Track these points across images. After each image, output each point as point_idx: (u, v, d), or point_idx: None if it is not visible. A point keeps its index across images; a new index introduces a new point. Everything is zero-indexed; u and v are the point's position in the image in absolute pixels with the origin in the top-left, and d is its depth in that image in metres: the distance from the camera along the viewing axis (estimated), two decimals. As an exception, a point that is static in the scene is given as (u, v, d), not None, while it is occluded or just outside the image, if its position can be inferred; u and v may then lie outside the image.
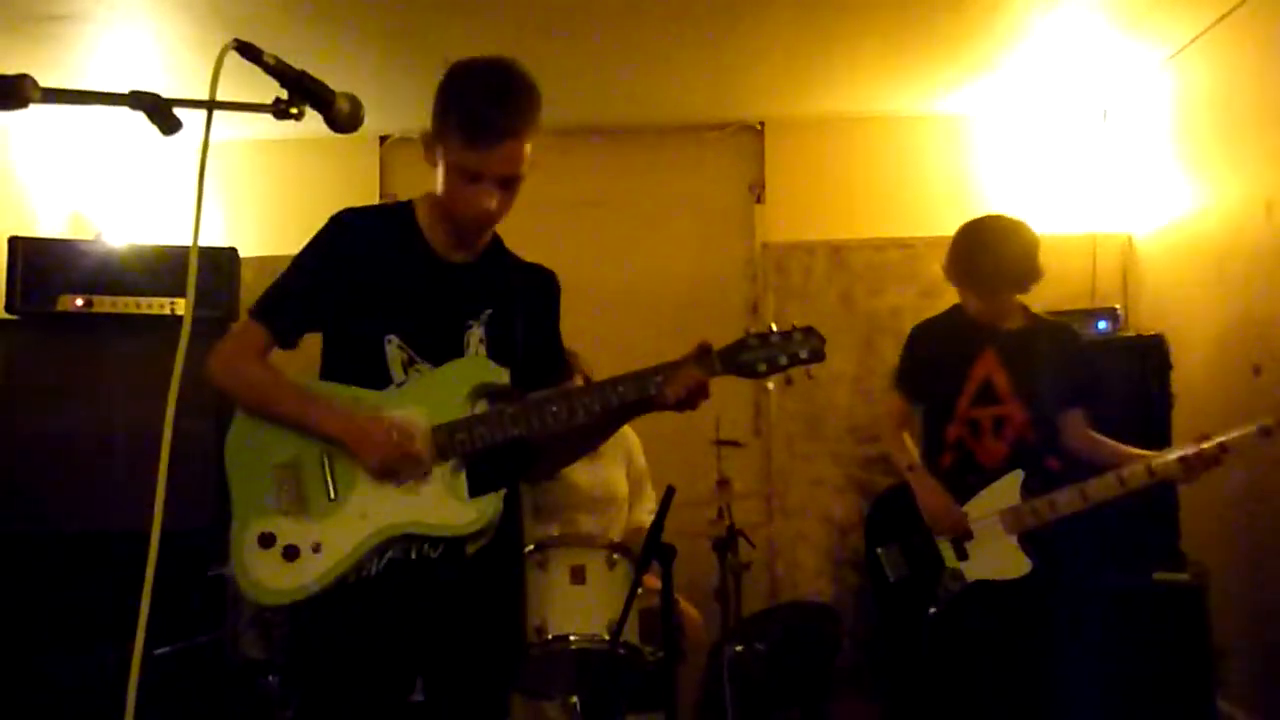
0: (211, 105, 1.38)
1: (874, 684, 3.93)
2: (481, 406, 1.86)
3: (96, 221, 4.53)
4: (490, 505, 1.82)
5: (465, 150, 1.78)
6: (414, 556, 1.84)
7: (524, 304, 1.99)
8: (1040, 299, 3.06)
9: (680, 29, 3.74)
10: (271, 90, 1.48)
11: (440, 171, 1.84)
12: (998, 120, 4.65)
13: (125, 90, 1.35)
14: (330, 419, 1.81)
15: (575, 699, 3.12)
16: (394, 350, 1.86)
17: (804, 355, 1.87)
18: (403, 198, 2.02)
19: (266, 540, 1.79)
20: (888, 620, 3.32)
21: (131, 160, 4.61)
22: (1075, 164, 4.59)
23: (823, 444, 4.62)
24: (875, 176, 4.73)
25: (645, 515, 3.66)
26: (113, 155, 4.62)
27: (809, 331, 1.88)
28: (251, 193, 4.65)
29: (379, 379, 1.85)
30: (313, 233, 1.91)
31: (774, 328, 1.89)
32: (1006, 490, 2.90)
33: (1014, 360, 2.96)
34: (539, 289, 2.06)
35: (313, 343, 1.93)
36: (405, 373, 1.86)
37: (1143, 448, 2.89)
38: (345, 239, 1.89)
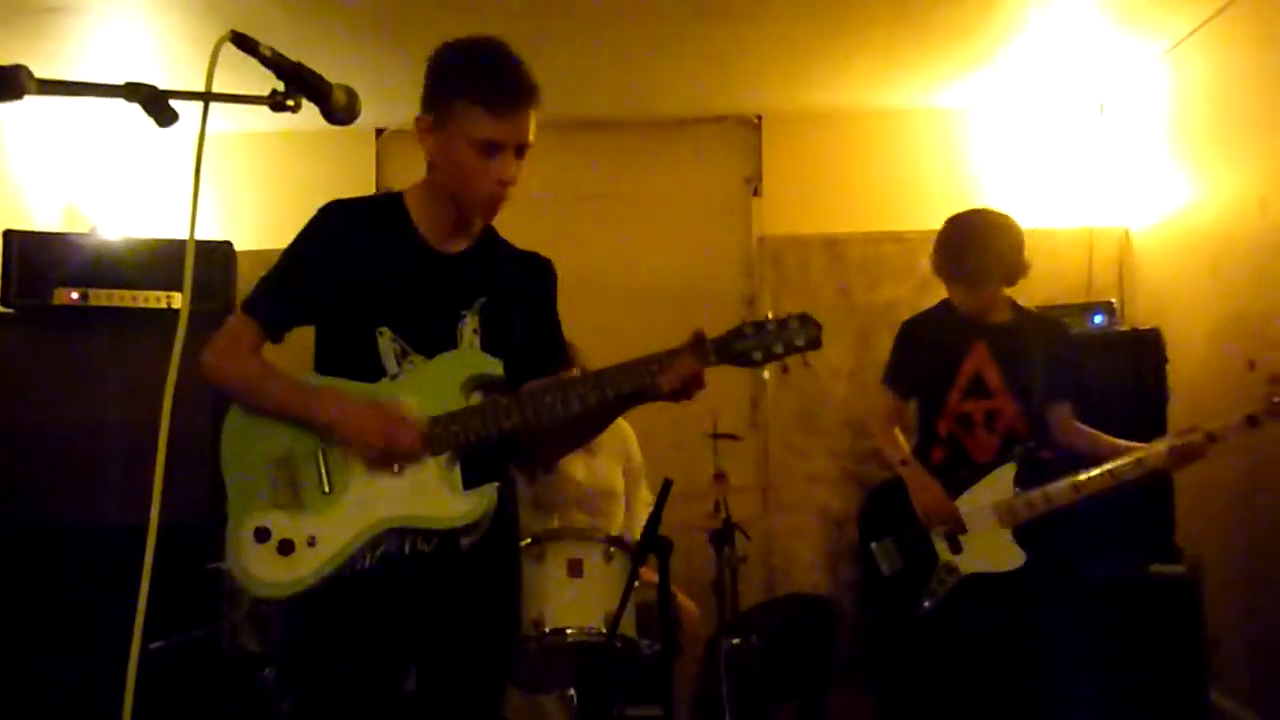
0: (208, 97, 1.37)
1: (870, 677, 3.94)
2: (476, 398, 1.85)
3: (91, 214, 4.52)
4: (484, 498, 1.81)
5: (487, 120, 1.77)
6: (407, 551, 1.83)
7: (519, 293, 1.98)
8: (1037, 293, 3.08)
9: (677, 22, 3.74)
10: (267, 82, 1.47)
11: (447, 153, 1.82)
12: (995, 114, 4.65)
13: (120, 82, 1.34)
14: (323, 407, 1.80)
15: (572, 692, 3.13)
16: (386, 343, 1.85)
17: (800, 343, 1.82)
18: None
19: (262, 535, 1.79)
20: (882, 614, 3.33)
21: (126, 153, 4.60)
22: (1072, 158, 4.59)
23: (819, 437, 4.63)
24: (872, 170, 4.73)
25: (642, 509, 3.67)
26: (107, 148, 4.61)
27: (805, 319, 1.83)
28: (247, 186, 4.64)
29: (372, 372, 1.84)
30: (307, 225, 1.91)
31: (771, 316, 1.85)
32: (999, 483, 2.90)
33: (1004, 354, 2.97)
34: (535, 277, 2.04)
35: (306, 335, 1.93)
36: (398, 365, 1.85)
37: (1139, 442, 2.90)
38: (334, 231, 1.88)
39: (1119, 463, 2.81)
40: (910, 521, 2.97)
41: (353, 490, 1.80)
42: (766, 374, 4.53)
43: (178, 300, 3.65)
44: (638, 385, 1.79)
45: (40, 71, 1.28)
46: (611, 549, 2.90)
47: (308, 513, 1.80)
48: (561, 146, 4.54)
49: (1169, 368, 3.62)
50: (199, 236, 1.44)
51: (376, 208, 1.94)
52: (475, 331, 1.89)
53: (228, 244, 3.79)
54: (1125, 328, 4.02)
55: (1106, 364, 3.60)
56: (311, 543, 1.78)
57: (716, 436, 3.74)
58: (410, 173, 1.93)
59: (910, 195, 4.64)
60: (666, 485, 2.46)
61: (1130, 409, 3.51)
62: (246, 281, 3.69)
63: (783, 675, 3.77)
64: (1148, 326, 3.84)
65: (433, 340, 1.86)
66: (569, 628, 2.76)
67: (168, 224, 4.36)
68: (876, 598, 3.17)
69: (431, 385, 1.83)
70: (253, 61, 1.41)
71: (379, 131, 4.70)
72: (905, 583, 2.98)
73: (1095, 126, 4.60)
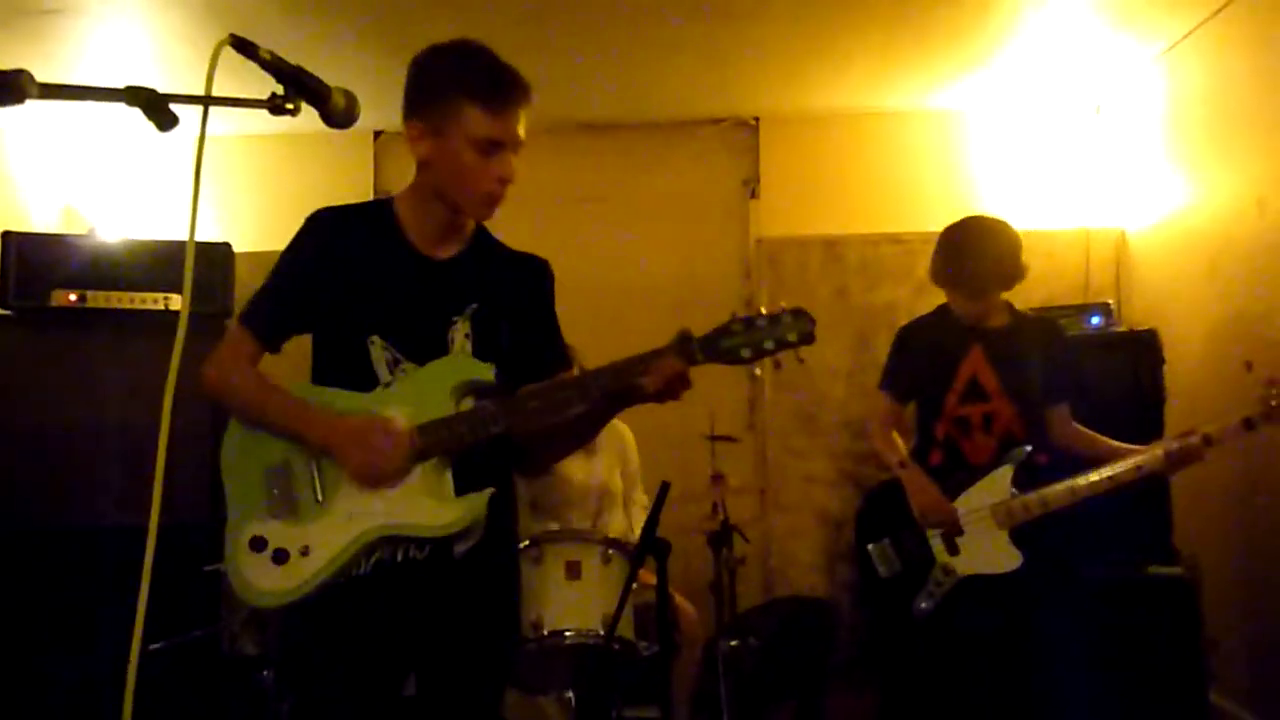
0: (208, 101, 1.37)
1: (868, 678, 3.94)
2: (467, 404, 1.84)
3: (89, 216, 4.52)
4: (473, 506, 1.80)
5: (486, 119, 1.77)
6: (400, 558, 1.83)
7: (513, 296, 1.96)
8: (1034, 294, 3.09)
9: (675, 24, 3.74)
10: (266, 85, 1.47)
11: (445, 155, 1.81)
12: (991, 115, 4.66)
13: (120, 85, 1.34)
14: (315, 427, 1.80)
15: (571, 694, 3.13)
16: (378, 351, 1.85)
17: (793, 339, 1.78)
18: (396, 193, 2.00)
19: (258, 544, 1.79)
20: (880, 615, 3.33)
21: (124, 155, 4.61)
22: (1068, 159, 4.60)
23: (817, 439, 4.63)
24: (869, 172, 4.73)
25: (638, 511, 3.68)
26: (105, 150, 4.61)
27: (798, 313, 1.79)
28: (246, 188, 4.64)
29: (365, 380, 1.84)
30: (303, 230, 1.91)
31: (763, 311, 1.81)
32: (997, 485, 2.91)
33: (1001, 357, 2.98)
34: (530, 279, 2.02)
35: (305, 343, 1.93)
36: (391, 373, 1.85)
37: (1136, 442, 2.92)
38: (322, 240, 1.88)
39: (1117, 469, 2.82)
40: (907, 523, 2.97)
41: (344, 500, 1.80)
42: (759, 371, 4.52)
43: (175, 302, 3.65)
44: (622, 386, 1.78)
45: (39, 74, 1.28)
46: (610, 551, 2.90)
47: (302, 522, 1.80)
48: (559, 149, 4.54)
49: (1166, 368, 3.63)
50: (198, 238, 1.44)
51: (365, 215, 1.94)
52: (467, 337, 1.89)
53: (226, 245, 3.80)
54: (1122, 329, 4.03)
55: (1103, 365, 3.61)
56: (305, 552, 1.79)
57: (714, 438, 3.75)
58: (408, 176, 1.93)
59: (907, 197, 4.65)
60: (664, 487, 2.47)
61: (1127, 410, 3.52)
62: (245, 283, 3.73)
63: (781, 677, 3.77)
64: (1145, 327, 3.84)
65: (424, 347, 1.86)
66: (567, 629, 2.76)
67: (165, 226, 4.36)
68: (874, 599, 3.18)
69: (423, 393, 1.83)
70: (252, 65, 1.42)
71: (377, 134, 4.70)
72: (902, 584, 2.99)
73: (1092, 128, 4.61)
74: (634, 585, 2.60)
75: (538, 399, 1.80)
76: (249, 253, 3.89)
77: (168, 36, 3.64)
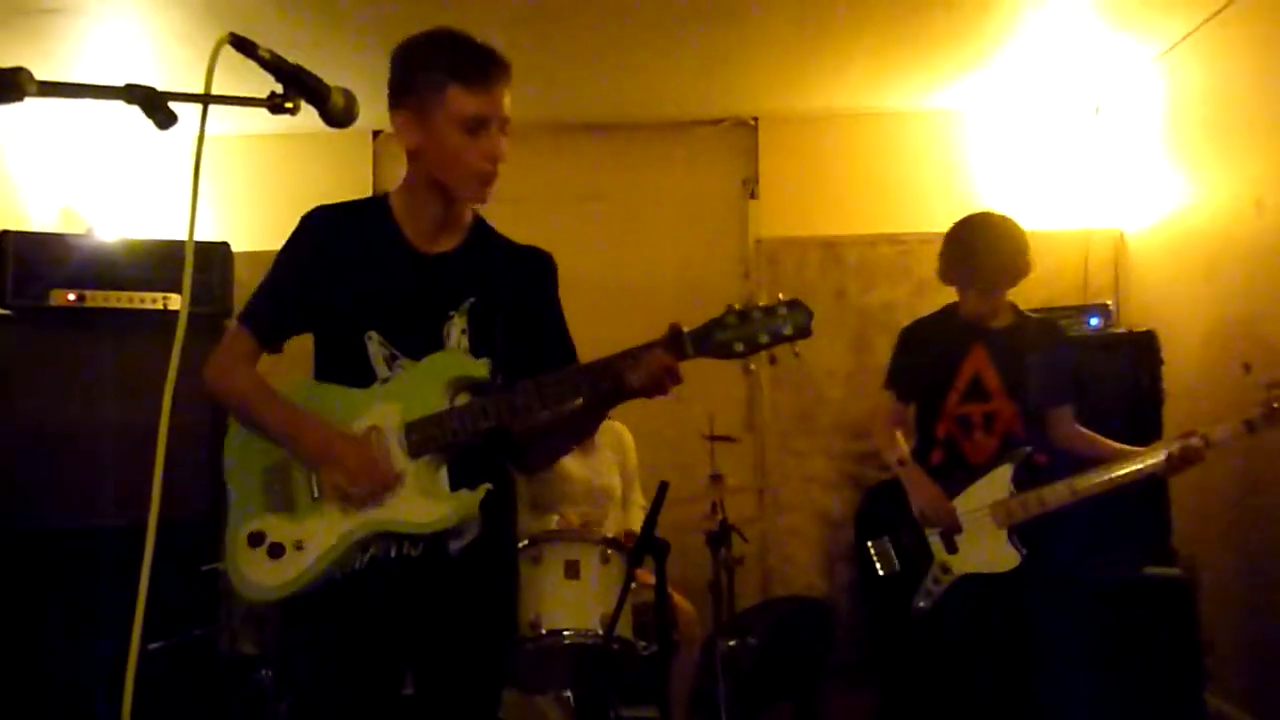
0: (207, 99, 1.37)
1: (866, 678, 3.94)
2: (461, 399, 1.83)
3: (88, 216, 4.52)
4: (464, 503, 1.79)
5: (470, 96, 1.77)
6: (394, 555, 1.83)
7: (513, 290, 1.94)
8: (1033, 294, 3.09)
9: (674, 24, 3.74)
10: (265, 84, 1.47)
11: (433, 139, 1.81)
12: (990, 116, 4.66)
13: (120, 84, 1.34)
14: (301, 444, 1.81)
15: (569, 693, 3.13)
16: (375, 347, 1.85)
17: (788, 332, 1.75)
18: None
19: (256, 539, 1.81)
20: (878, 613, 3.34)
21: (122, 154, 4.60)
22: (1067, 160, 4.60)
23: (816, 439, 4.63)
24: (868, 172, 4.73)
25: (635, 511, 3.68)
26: (104, 149, 4.60)
27: (794, 305, 1.77)
28: (244, 187, 4.63)
29: (364, 376, 1.85)
30: (299, 230, 1.91)
31: (759, 303, 1.78)
32: (996, 484, 2.92)
33: (1003, 357, 2.98)
34: (532, 272, 2.00)
35: (307, 340, 1.93)
36: (389, 369, 1.85)
37: (1134, 443, 2.92)
38: (317, 238, 1.88)
39: (1117, 471, 2.83)
40: (907, 522, 2.98)
41: (338, 496, 1.81)
42: (753, 366, 4.51)
43: (174, 301, 3.65)
44: (611, 381, 1.75)
45: (38, 72, 1.28)
46: (608, 550, 2.90)
47: (298, 518, 1.81)
48: (558, 149, 4.54)
49: (1164, 369, 3.63)
50: (196, 238, 1.44)
51: (360, 212, 1.93)
52: (463, 332, 1.88)
53: (225, 245, 3.80)
54: (1121, 330, 4.03)
55: (1102, 366, 3.61)
56: (299, 547, 1.79)
57: (713, 438, 3.75)
58: (407, 174, 1.93)
59: (906, 197, 4.65)
60: (663, 487, 2.47)
61: (1126, 411, 3.52)
62: (244, 283, 3.73)
63: (779, 676, 3.77)
64: (1143, 328, 3.84)
65: (420, 343, 1.85)
66: (566, 629, 2.76)
67: (164, 225, 4.36)
68: (873, 597, 3.18)
69: (417, 389, 1.82)
70: (251, 64, 1.42)
71: (376, 133, 4.69)
72: (901, 582, 2.99)
73: (1091, 128, 4.61)
74: (632, 585, 2.60)
75: (527, 394, 1.78)
76: (248, 252, 3.88)
77: (167, 36, 3.64)
